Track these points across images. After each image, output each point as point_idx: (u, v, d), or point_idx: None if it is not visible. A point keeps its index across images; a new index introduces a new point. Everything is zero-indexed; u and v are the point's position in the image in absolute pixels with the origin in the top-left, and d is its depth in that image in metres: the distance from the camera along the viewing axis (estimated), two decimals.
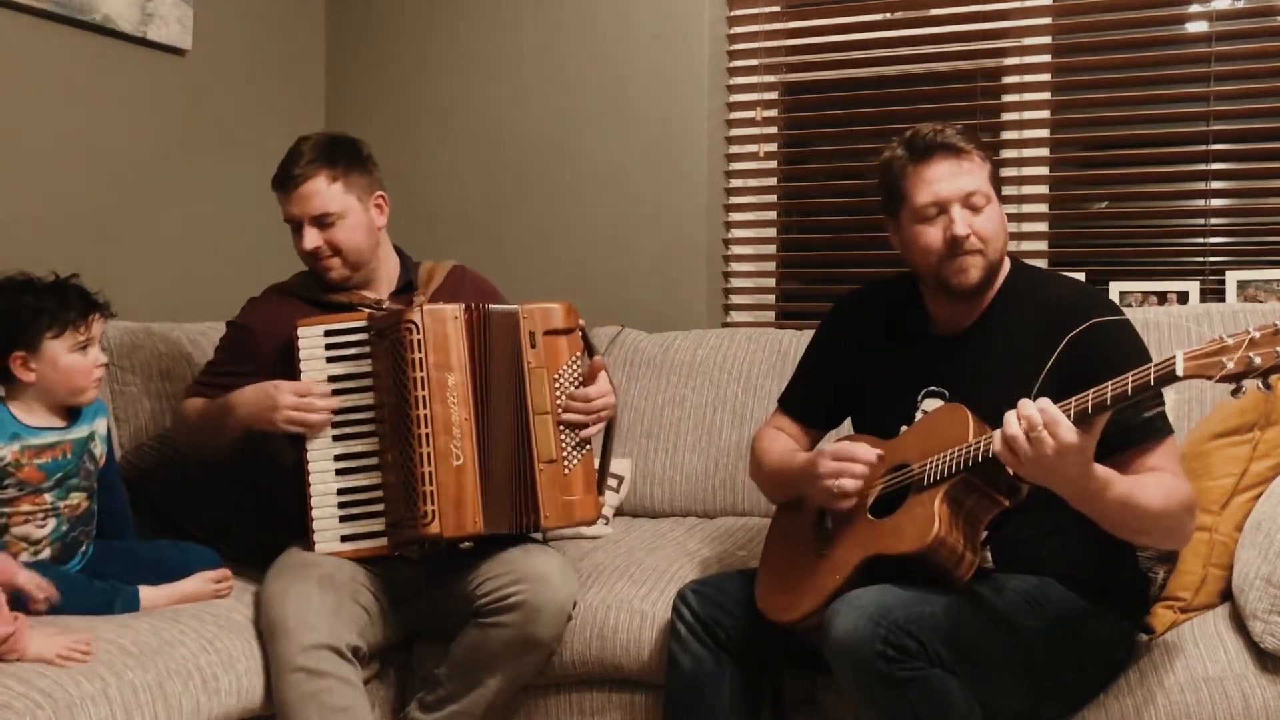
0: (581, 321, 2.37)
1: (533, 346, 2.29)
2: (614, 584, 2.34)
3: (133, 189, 3.06)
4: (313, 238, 2.36)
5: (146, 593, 2.14)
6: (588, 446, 2.32)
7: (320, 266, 2.40)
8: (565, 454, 2.29)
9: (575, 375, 2.34)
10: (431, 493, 2.17)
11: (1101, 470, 1.74)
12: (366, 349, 2.28)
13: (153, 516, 2.52)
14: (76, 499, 2.16)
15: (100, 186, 2.97)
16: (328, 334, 2.30)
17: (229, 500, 2.58)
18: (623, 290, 3.39)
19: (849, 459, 1.97)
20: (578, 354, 2.34)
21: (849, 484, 1.96)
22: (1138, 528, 1.83)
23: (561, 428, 2.29)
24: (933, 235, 1.99)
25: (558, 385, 2.30)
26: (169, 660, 1.93)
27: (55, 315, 2.11)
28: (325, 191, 2.36)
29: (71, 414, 2.16)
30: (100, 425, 2.22)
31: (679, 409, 2.98)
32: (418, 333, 2.21)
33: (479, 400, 2.25)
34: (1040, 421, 1.65)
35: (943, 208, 1.97)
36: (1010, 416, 1.68)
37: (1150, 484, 1.81)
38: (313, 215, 2.36)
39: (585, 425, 2.31)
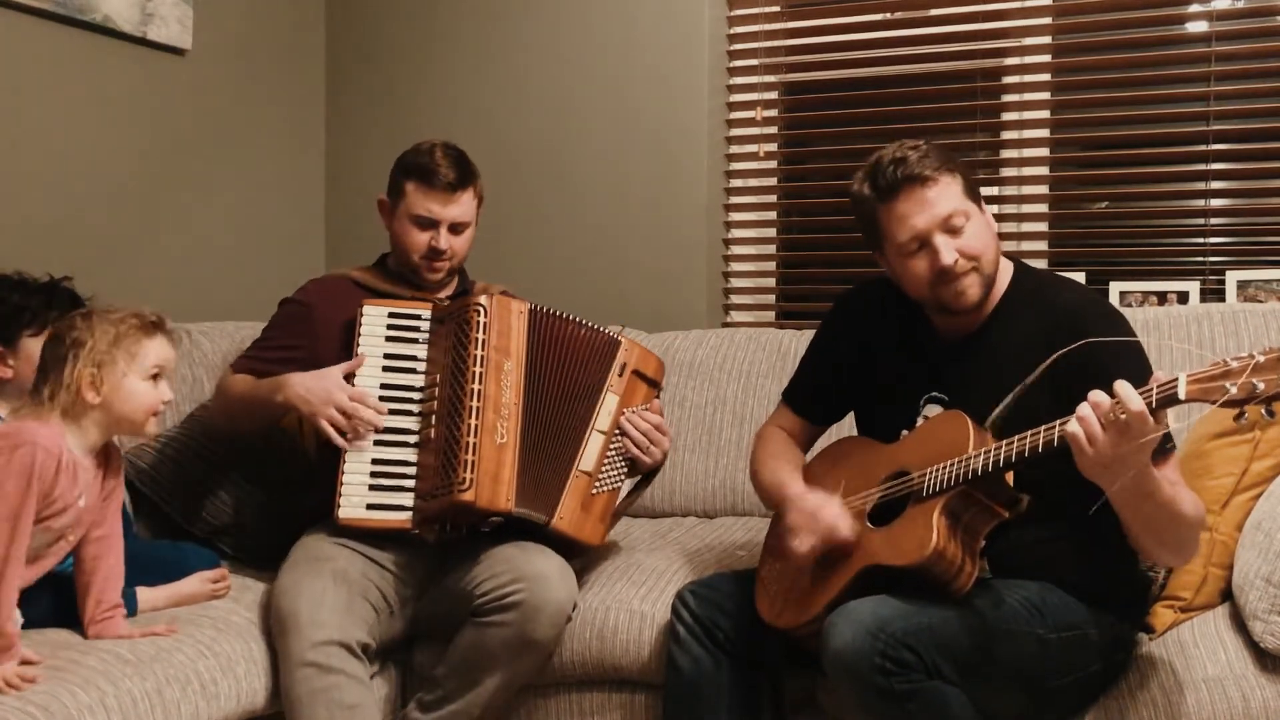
0: (662, 384, 2.50)
1: (619, 376, 2.41)
2: (613, 584, 2.34)
3: (132, 189, 3.06)
4: (446, 240, 2.48)
5: (144, 593, 2.14)
6: (621, 480, 2.39)
7: (434, 267, 2.50)
8: (601, 476, 2.36)
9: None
10: (473, 461, 2.22)
11: (1162, 465, 1.71)
12: (425, 335, 2.38)
13: (152, 516, 2.52)
14: None
15: (100, 186, 2.97)
16: (392, 315, 2.39)
17: (229, 500, 2.58)
18: (623, 290, 3.39)
19: (813, 521, 1.96)
20: (647, 407, 2.43)
21: (802, 546, 1.96)
22: (1171, 537, 1.79)
23: (609, 454, 2.37)
24: (920, 268, 1.95)
25: (623, 418, 2.38)
26: (167, 667, 1.92)
27: (36, 314, 2.11)
28: (470, 204, 2.52)
29: None
30: None
31: (679, 409, 2.98)
32: (484, 315, 2.31)
33: (531, 391, 2.33)
34: (1109, 405, 1.60)
35: (923, 240, 1.93)
36: (1084, 405, 1.64)
37: (1184, 493, 1.79)
38: (454, 222, 2.48)
39: (638, 451, 2.38)
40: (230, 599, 2.24)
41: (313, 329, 2.46)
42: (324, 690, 2.04)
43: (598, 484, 2.35)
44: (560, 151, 3.46)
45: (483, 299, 2.33)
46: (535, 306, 2.39)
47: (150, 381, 1.96)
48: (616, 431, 2.38)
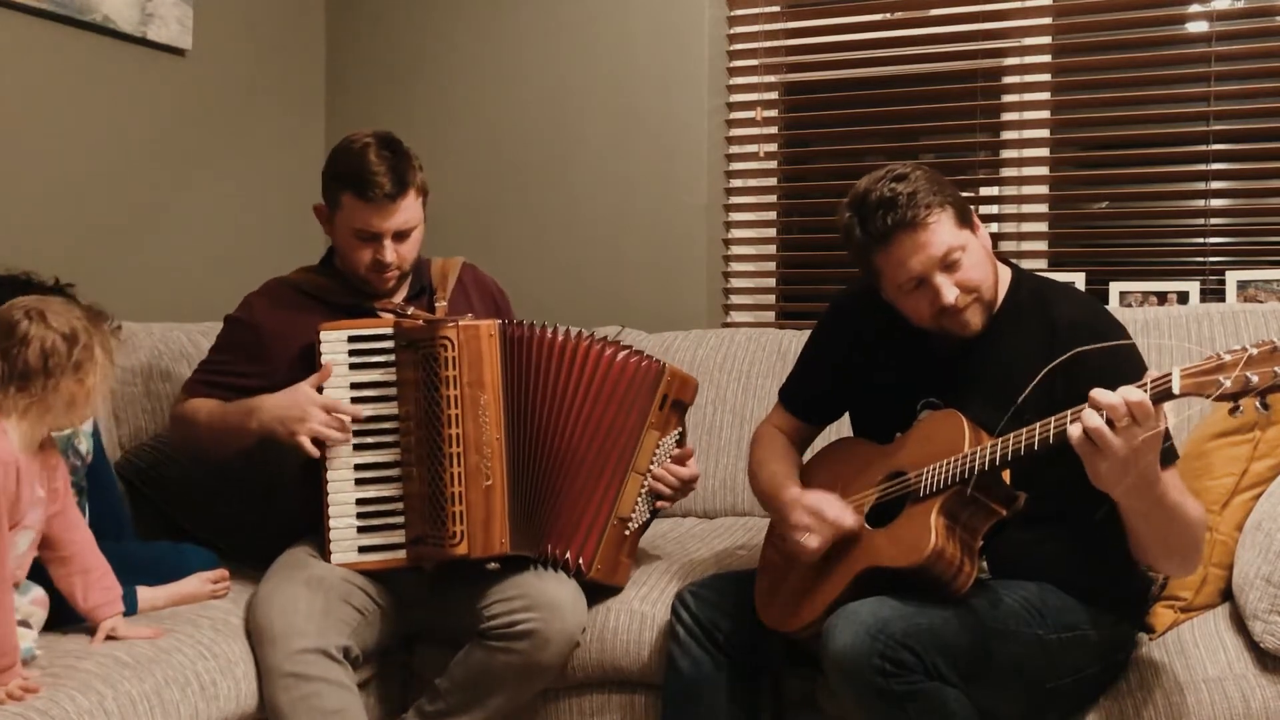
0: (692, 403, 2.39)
1: (660, 409, 2.28)
2: None
3: (132, 189, 3.06)
4: (392, 252, 2.29)
5: (144, 593, 2.13)
6: (648, 512, 2.32)
7: (384, 279, 2.33)
8: (634, 516, 2.29)
9: (670, 447, 2.34)
10: (461, 513, 2.14)
11: (1163, 472, 1.70)
12: (391, 357, 2.22)
13: (152, 517, 2.51)
14: None
15: (100, 186, 2.96)
16: (352, 339, 2.23)
17: (229, 501, 2.58)
18: (623, 290, 3.39)
19: (819, 518, 1.95)
20: (680, 429, 2.35)
21: (811, 542, 1.95)
22: (1179, 545, 1.79)
23: (642, 491, 2.29)
24: (921, 305, 1.94)
25: (657, 452, 2.30)
26: (166, 668, 1.92)
27: None
28: (413, 206, 2.30)
29: None
30: (85, 423, 2.18)
31: None
32: (452, 350, 2.16)
33: (511, 419, 2.20)
34: (1125, 411, 1.59)
35: (922, 280, 1.91)
36: (1089, 411, 1.62)
37: (1190, 499, 1.79)
38: (399, 230, 2.29)
39: (666, 498, 2.33)
40: (230, 599, 2.23)
41: (267, 353, 2.33)
42: (304, 698, 2.01)
43: (629, 525, 2.28)
44: (560, 152, 3.46)
45: (449, 331, 2.16)
46: (506, 324, 2.23)
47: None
48: (650, 467, 2.29)
